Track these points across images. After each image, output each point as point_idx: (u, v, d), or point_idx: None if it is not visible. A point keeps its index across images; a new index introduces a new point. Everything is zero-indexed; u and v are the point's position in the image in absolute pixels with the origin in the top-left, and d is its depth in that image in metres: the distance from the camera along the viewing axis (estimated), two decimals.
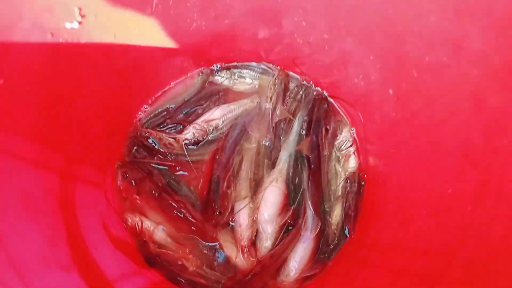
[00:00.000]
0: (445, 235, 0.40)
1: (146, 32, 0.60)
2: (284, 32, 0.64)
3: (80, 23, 0.51)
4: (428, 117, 0.47)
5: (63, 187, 0.49)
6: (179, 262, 0.60)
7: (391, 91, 0.55)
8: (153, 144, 0.65)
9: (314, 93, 0.70)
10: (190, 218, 0.62)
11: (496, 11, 0.38)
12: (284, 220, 0.61)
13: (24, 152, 0.42)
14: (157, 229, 0.62)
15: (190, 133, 0.66)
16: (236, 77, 0.71)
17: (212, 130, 0.67)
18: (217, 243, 0.61)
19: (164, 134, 0.66)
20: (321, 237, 0.61)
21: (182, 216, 0.62)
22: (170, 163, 0.65)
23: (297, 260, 0.59)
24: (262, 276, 0.58)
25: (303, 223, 0.61)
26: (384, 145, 0.59)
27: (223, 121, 0.68)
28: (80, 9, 0.50)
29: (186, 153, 0.65)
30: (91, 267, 0.47)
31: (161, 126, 0.67)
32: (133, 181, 0.64)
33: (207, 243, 0.61)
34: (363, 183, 0.63)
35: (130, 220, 0.62)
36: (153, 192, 0.63)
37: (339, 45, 0.60)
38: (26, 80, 0.45)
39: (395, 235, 0.50)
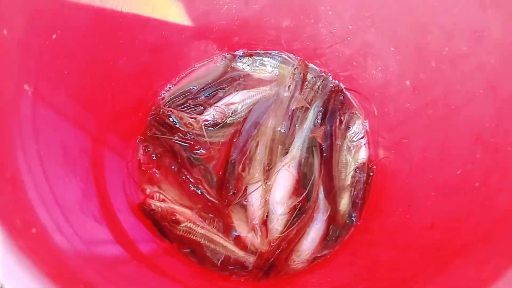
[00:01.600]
0: (452, 210, 0.44)
1: (181, 10, 0.63)
2: (309, 21, 0.66)
3: None
4: (444, 106, 0.50)
5: (94, 149, 0.53)
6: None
7: (408, 82, 0.57)
8: (174, 123, 0.68)
9: (331, 85, 0.72)
10: (206, 195, 0.65)
11: None
12: (294, 203, 0.64)
13: (65, 108, 0.46)
14: (173, 204, 0.65)
15: (210, 114, 0.69)
16: (257, 65, 0.74)
17: (231, 113, 0.70)
18: None
19: (185, 114, 0.69)
20: (330, 222, 0.64)
21: (198, 192, 0.65)
22: (189, 142, 0.69)
23: (310, 241, 0.62)
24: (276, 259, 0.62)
25: (316, 206, 0.65)
26: (395, 137, 0.62)
27: (242, 106, 0.71)
28: None
29: (205, 133, 0.68)
30: (117, 226, 0.51)
31: (183, 106, 0.71)
32: (154, 155, 0.67)
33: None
34: (371, 173, 0.67)
35: (148, 191, 0.66)
36: (172, 167, 0.66)
37: (361, 36, 0.62)
38: (74, 38, 0.48)
39: (403, 216, 0.53)
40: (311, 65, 0.74)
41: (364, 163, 0.68)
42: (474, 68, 0.45)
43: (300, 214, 0.64)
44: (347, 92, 0.72)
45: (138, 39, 0.60)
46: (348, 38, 0.64)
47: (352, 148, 0.69)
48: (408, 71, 0.57)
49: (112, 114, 0.61)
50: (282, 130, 0.69)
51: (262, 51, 0.75)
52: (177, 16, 0.63)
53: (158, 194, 0.66)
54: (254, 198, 0.65)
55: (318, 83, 0.73)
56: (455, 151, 0.48)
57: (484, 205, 0.39)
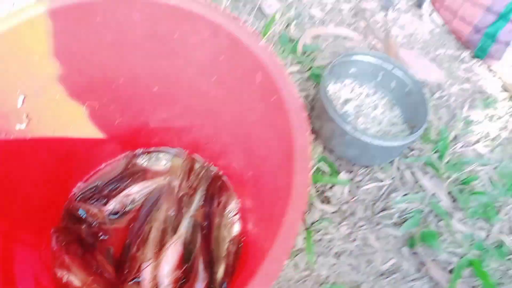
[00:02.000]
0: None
1: (80, 127, 0.80)
2: (187, 126, 0.85)
3: (27, 124, 0.70)
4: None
5: (5, 246, 0.67)
6: None
7: (250, 173, 0.75)
8: (82, 214, 0.84)
9: (213, 172, 0.90)
10: (106, 275, 0.79)
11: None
12: (178, 275, 0.78)
13: None
14: (77, 282, 0.79)
15: (112, 205, 0.85)
16: (154, 159, 0.92)
17: (130, 202, 0.86)
18: None
19: (91, 206, 0.84)
20: None
21: (99, 272, 0.79)
22: (94, 230, 0.83)
23: None
24: None
25: (196, 276, 0.79)
26: (252, 214, 0.79)
27: (139, 195, 0.87)
28: (27, 115, 0.70)
29: (107, 221, 0.83)
30: None
31: (90, 199, 0.86)
32: (63, 243, 0.82)
33: None
34: (241, 244, 0.82)
35: (58, 274, 0.79)
36: (79, 252, 0.81)
37: (221, 138, 0.81)
38: None
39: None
40: (197, 156, 0.92)
41: (236, 236, 0.83)
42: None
43: (183, 284, 0.79)
44: (224, 178, 0.89)
45: (43, 154, 0.77)
46: (214, 139, 0.83)
47: (227, 224, 0.85)
48: (248, 165, 0.75)
49: (24, 215, 0.75)
50: (172, 214, 0.85)
51: (157, 148, 0.93)
52: (77, 132, 0.81)
53: (67, 276, 0.79)
54: (146, 274, 0.79)
55: (202, 172, 0.90)
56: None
57: None
